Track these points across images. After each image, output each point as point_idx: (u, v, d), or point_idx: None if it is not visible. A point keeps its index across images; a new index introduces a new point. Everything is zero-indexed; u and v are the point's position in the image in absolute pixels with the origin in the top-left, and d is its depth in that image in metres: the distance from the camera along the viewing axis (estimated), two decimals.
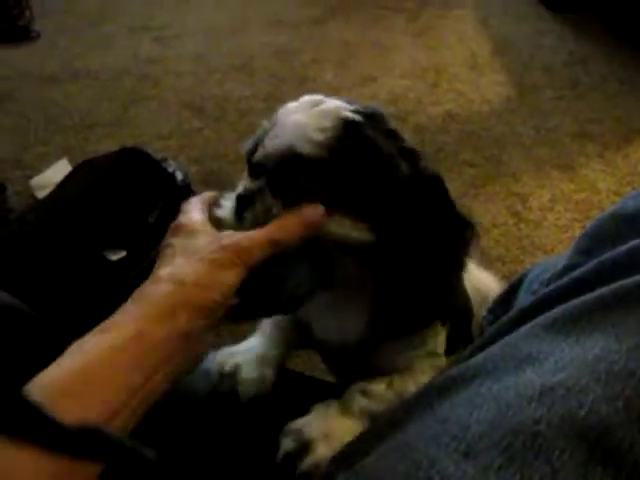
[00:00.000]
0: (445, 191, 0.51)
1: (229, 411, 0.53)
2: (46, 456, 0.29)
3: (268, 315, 0.55)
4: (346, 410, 0.51)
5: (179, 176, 1.24)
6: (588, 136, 1.61)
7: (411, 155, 0.50)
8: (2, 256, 1.08)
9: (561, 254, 0.55)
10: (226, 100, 1.81)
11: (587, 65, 1.94)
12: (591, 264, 0.42)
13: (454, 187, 0.52)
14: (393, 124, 0.52)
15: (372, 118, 0.49)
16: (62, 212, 1.13)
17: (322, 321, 0.57)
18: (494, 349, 0.37)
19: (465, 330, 0.71)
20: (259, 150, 0.49)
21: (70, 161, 1.50)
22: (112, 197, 1.16)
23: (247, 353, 0.55)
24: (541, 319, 0.37)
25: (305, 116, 0.48)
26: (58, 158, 1.53)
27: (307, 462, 0.47)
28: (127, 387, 0.36)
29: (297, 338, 0.60)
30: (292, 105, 0.50)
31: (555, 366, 0.33)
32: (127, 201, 1.16)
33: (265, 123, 0.51)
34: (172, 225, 0.47)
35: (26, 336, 0.49)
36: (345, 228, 0.47)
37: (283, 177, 0.47)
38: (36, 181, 1.45)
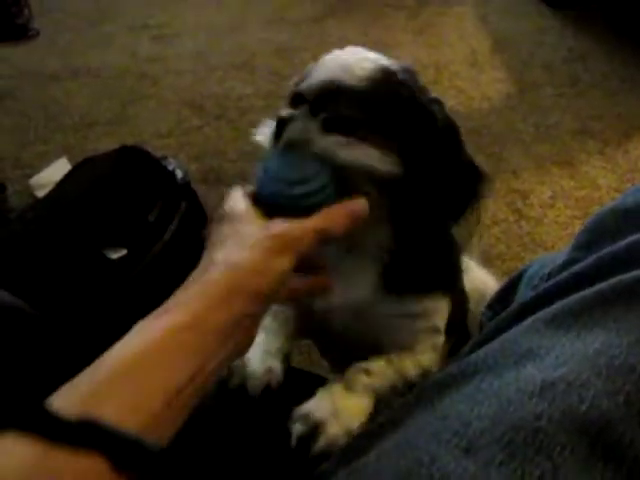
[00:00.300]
0: (463, 143, 0.55)
1: (238, 407, 0.52)
2: (45, 448, 0.29)
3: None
4: (350, 389, 0.52)
5: (179, 174, 1.24)
6: (588, 133, 1.61)
7: (440, 104, 0.54)
8: (3, 255, 1.08)
9: (561, 250, 0.55)
10: (226, 98, 1.81)
11: (587, 62, 1.93)
12: (591, 259, 0.42)
13: None
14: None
15: (407, 72, 0.54)
16: (62, 211, 1.13)
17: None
18: (494, 345, 0.37)
19: (461, 323, 0.72)
20: (302, 83, 0.53)
21: (70, 160, 1.50)
22: (112, 195, 1.16)
23: (252, 348, 0.56)
24: (541, 314, 0.37)
25: (349, 57, 0.53)
26: (58, 157, 1.53)
27: (321, 442, 0.47)
28: (187, 371, 0.36)
29: (297, 329, 0.61)
30: (338, 51, 0.55)
31: (556, 361, 0.33)
32: (127, 199, 1.16)
33: (311, 64, 0.55)
34: (217, 214, 0.47)
35: (27, 335, 0.49)
36: (374, 157, 0.49)
37: (323, 101, 0.50)
38: (36, 180, 1.45)
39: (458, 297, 0.67)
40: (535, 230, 1.31)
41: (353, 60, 0.52)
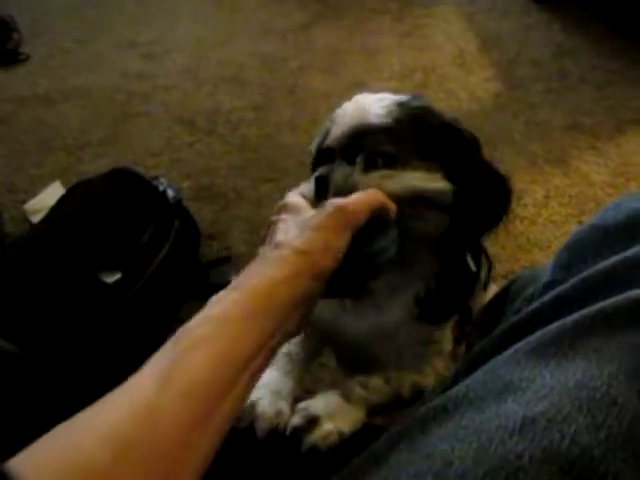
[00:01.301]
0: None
1: (245, 448, 0.52)
2: None
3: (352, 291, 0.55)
4: (346, 398, 0.56)
5: (170, 193, 1.24)
6: (579, 128, 1.60)
7: (458, 121, 0.58)
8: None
9: (553, 254, 0.55)
10: (216, 113, 1.80)
11: (575, 56, 1.93)
12: (571, 282, 0.41)
13: None
14: None
15: (420, 99, 0.57)
16: (55, 237, 1.13)
17: (362, 313, 0.59)
18: (476, 376, 0.37)
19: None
20: (327, 139, 0.55)
21: (64, 182, 1.50)
22: (105, 219, 1.16)
23: (262, 389, 0.56)
24: (522, 344, 0.37)
25: (365, 100, 0.56)
26: (51, 180, 1.54)
27: (314, 436, 0.51)
28: (261, 336, 0.39)
29: (309, 366, 0.63)
30: (348, 103, 0.57)
31: (536, 395, 0.32)
32: (120, 222, 1.16)
33: (327, 123, 0.58)
34: (278, 205, 0.51)
35: (17, 382, 0.49)
36: (422, 178, 0.52)
37: (354, 147, 0.53)
38: (30, 205, 1.45)
39: None
40: (530, 230, 1.31)
41: (369, 102, 0.54)
